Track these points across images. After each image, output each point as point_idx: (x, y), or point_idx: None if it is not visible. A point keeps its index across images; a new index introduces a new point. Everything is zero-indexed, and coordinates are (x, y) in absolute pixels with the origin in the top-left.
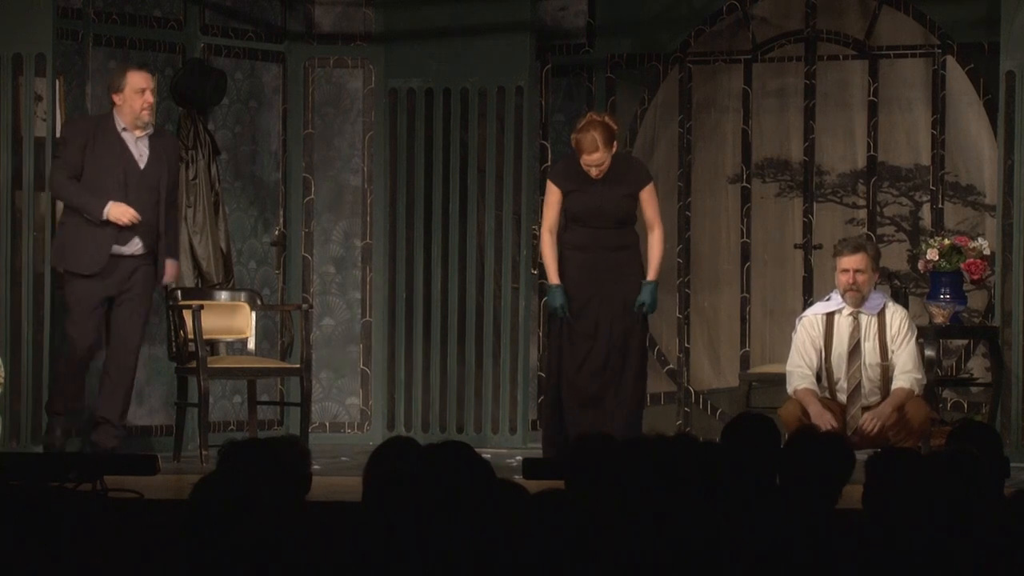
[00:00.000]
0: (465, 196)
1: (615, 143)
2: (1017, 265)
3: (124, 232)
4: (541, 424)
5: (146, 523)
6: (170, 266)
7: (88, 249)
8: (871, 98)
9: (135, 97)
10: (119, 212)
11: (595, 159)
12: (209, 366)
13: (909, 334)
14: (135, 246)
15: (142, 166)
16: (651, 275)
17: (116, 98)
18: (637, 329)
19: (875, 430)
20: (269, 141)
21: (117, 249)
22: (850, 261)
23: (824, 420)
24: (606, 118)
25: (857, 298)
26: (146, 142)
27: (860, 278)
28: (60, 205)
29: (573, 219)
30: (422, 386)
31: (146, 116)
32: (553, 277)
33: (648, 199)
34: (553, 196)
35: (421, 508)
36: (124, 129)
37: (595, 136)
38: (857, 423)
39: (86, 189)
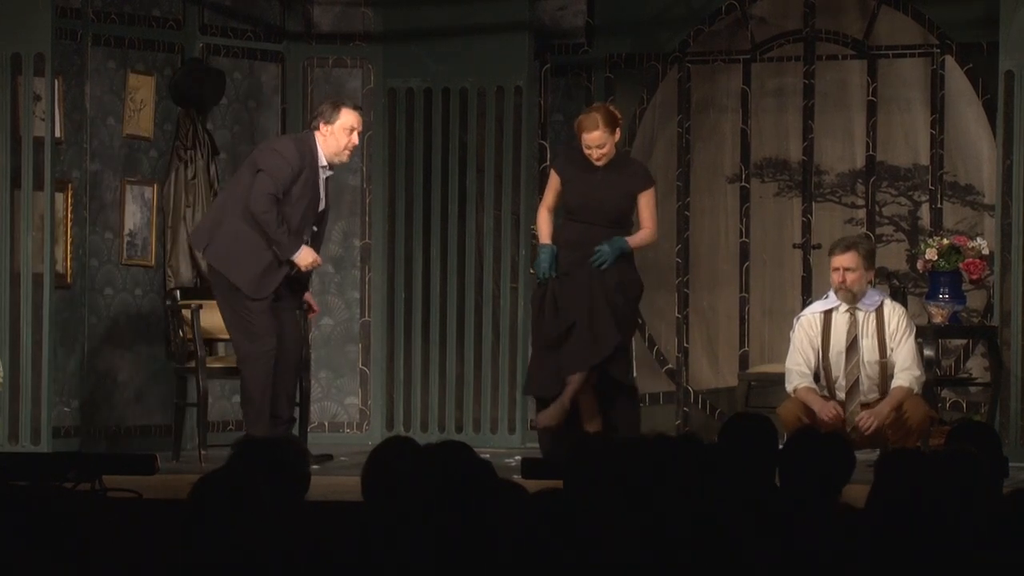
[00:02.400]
0: (464, 196)
1: (618, 131)
2: (1016, 265)
3: (296, 295)
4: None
5: (145, 523)
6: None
7: (264, 276)
8: (870, 98)
9: (343, 134)
10: (308, 262)
11: (595, 137)
12: (208, 366)
13: (908, 331)
14: (296, 303)
15: (321, 207)
16: (628, 238)
17: (323, 128)
18: (624, 304)
19: (871, 430)
20: None
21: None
22: (840, 260)
23: (828, 409)
24: (609, 106)
25: (848, 296)
26: (327, 182)
27: (849, 277)
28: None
29: (568, 212)
30: (421, 386)
31: (346, 157)
32: (545, 239)
33: (646, 202)
34: (553, 181)
35: (421, 508)
36: (322, 166)
37: (596, 116)
38: (855, 420)
39: (282, 224)
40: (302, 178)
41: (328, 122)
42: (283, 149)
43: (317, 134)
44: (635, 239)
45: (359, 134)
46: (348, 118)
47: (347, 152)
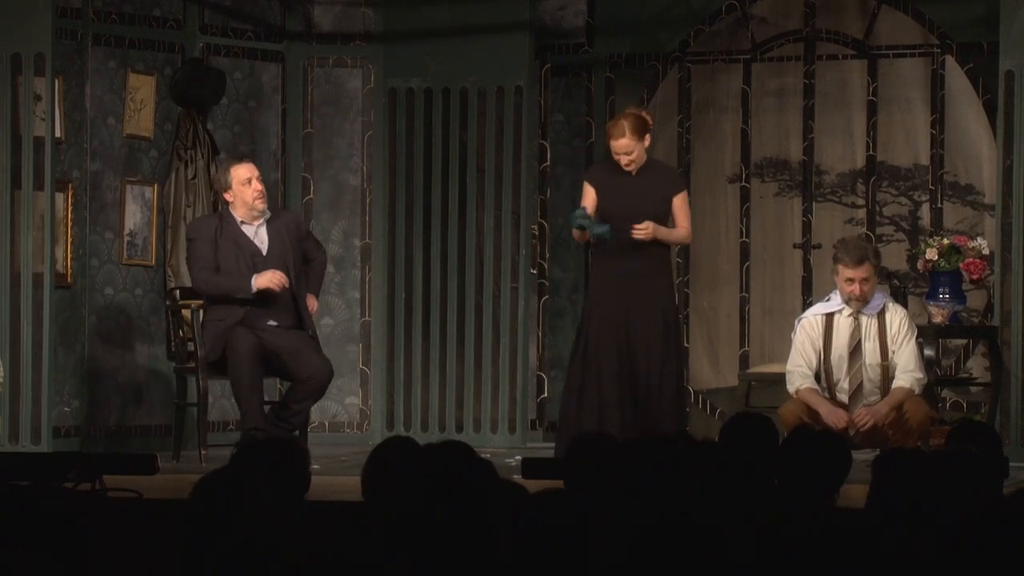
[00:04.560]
0: (464, 196)
1: (647, 137)
2: (1016, 265)
3: (269, 310)
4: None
5: (145, 523)
6: (311, 300)
7: (242, 334)
8: (870, 98)
9: (244, 189)
10: (266, 280)
11: (622, 145)
12: (208, 365)
13: (909, 334)
14: (280, 319)
15: (265, 253)
16: (664, 229)
17: (227, 196)
18: (671, 351)
19: (867, 426)
20: (268, 141)
21: (267, 324)
22: (857, 272)
23: (837, 417)
24: (642, 112)
25: (860, 305)
26: (265, 229)
27: (865, 287)
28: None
29: (605, 221)
30: (421, 386)
31: (260, 205)
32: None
33: (680, 205)
34: (587, 191)
35: (421, 508)
36: (243, 223)
37: (623, 124)
38: (853, 418)
39: (225, 275)
40: (221, 241)
41: (227, 188)
42: (191, 232)
43: (228, 205)
44: (668, 232)
45: (258, 179)
46: (238, 173)
47: (258, 201)
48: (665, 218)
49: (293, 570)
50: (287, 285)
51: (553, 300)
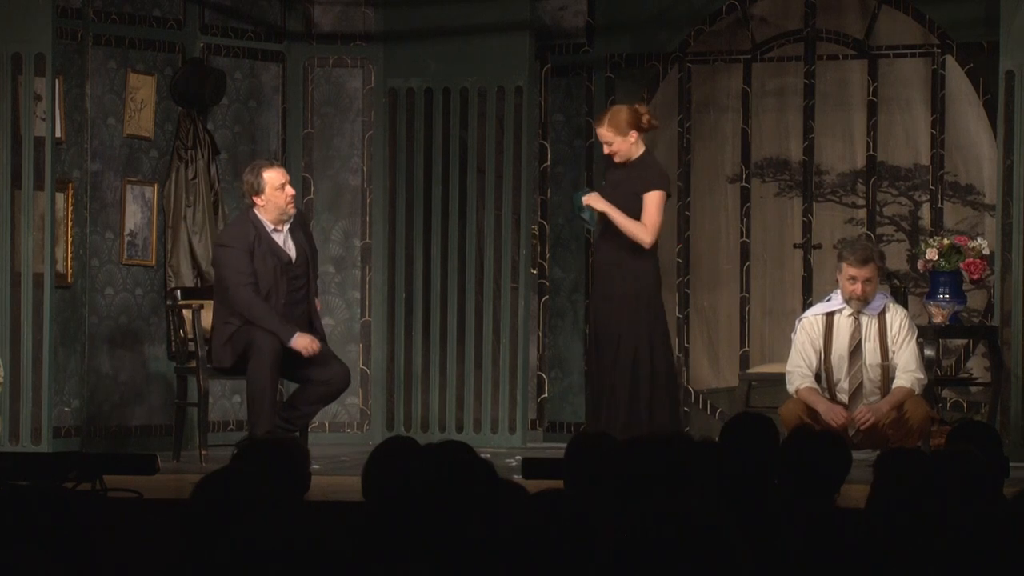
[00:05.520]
0: (464, 196)
1: (632, 133)
2: (1016, 265)
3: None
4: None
5: (145, 523)
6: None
7: (267, 336)
8: (870, 98)
9: (277, 194)
10: (301, 346)
11: (600, 134)
12: (208, 366)
13: (910, 334)
14: (297, 326)
15: (294, 261)
16: (614, 209)
17: (258, 200)
18: (645, 346)
19: (867, 424)
20: (268, 141)
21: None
22: (859, 272)
23: (836, 413)
24: (636, 106)
25: (861, 305)
26: (290, 236)
27: (868, 288)
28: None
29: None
30: (421, 386)
31: (292, 210)
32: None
33: (647, 203)
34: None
35: (421, 508)
36: (273, 229)
37: (604, 115)
38: (854, 414)
39: (269, 309)
40: (258, 251)
41: (258, 192)
42: (228, 239)
43: (256, 209)
44: (620, 216)
45: (290, 183)
46: (273, 177)
47: (291, 206)
48: (636, 215)
49: (293, 570)
50: (317, 351)
51: (553, 300)
